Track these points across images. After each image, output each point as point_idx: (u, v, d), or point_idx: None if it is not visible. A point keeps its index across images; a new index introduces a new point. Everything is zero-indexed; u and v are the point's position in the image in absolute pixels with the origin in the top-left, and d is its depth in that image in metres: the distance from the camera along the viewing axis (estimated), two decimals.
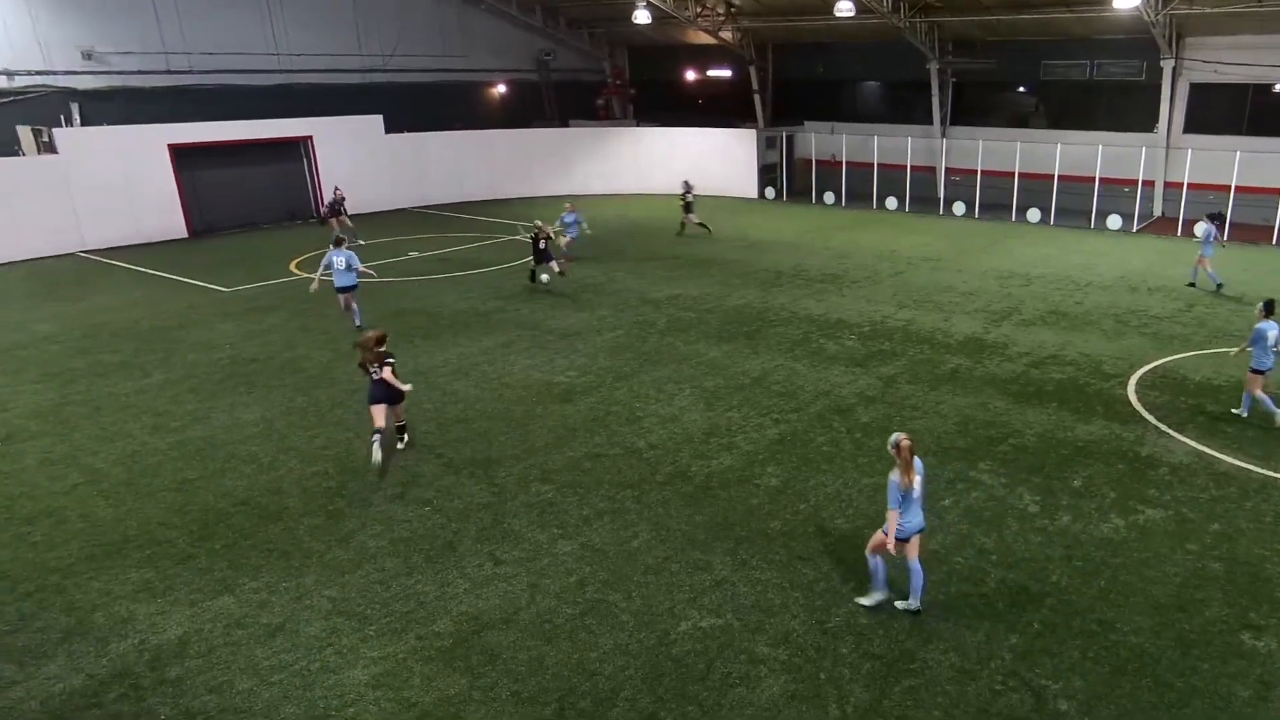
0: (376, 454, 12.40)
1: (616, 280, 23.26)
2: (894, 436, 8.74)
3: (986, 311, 19.98)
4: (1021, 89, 36.01)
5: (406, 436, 13.30)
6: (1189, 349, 17.20)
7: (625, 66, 46.20)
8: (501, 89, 42.14)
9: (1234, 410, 14.08)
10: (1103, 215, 30.67)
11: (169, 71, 31.59)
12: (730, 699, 7.87)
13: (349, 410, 14.56)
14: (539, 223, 22.67)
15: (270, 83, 33.89)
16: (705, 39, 39.21)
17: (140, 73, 31.03)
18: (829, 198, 36.36)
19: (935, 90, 35.30)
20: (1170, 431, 13.42)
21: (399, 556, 10.25)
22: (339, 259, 18.35)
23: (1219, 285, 21.54)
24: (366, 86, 36.58)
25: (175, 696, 8.02)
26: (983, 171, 33.15)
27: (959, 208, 33.78)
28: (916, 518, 8.88)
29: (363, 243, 28.58)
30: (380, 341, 12.66)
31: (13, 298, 22.39)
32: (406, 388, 12.67)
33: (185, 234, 30.11)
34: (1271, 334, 13.27)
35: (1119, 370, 16.11)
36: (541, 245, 22.22)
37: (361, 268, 18.67)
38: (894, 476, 8.67)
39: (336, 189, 29.58)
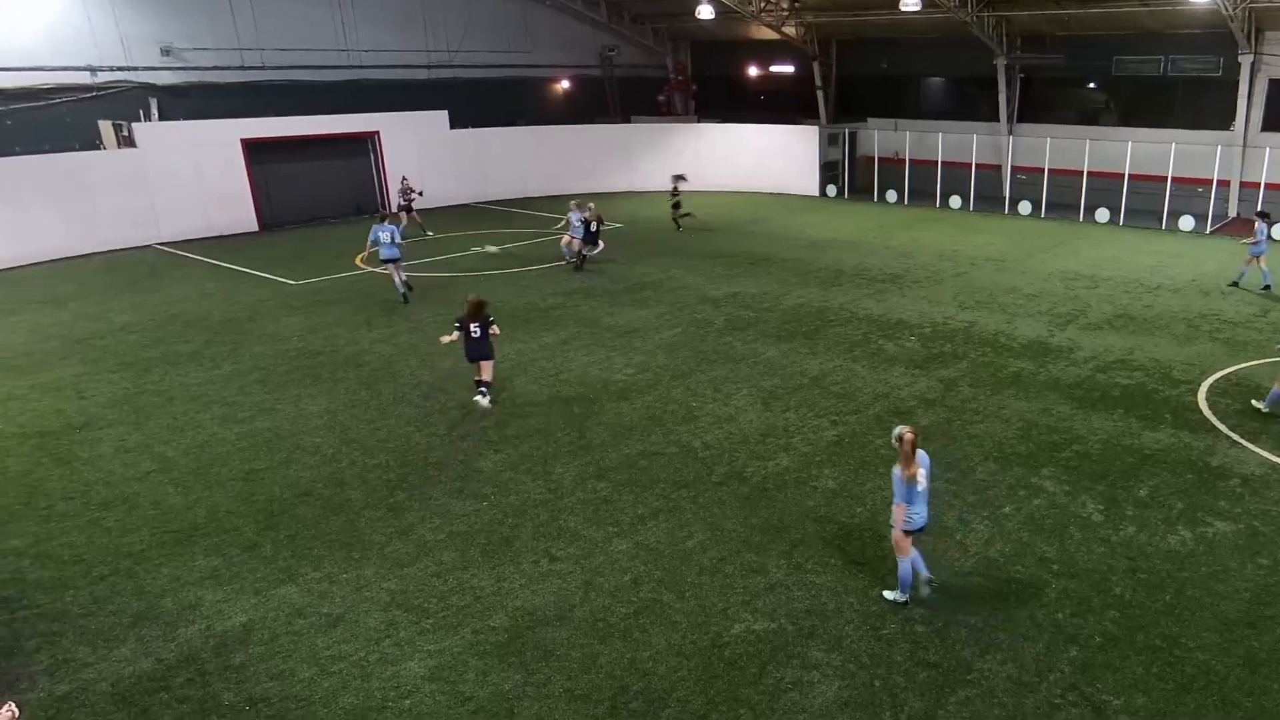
0: (484, 403, 14.46)
1: (675, 278, 23.21)
2: (898, 429, 8.80)
3: (1051, 314, 19.54)
4: (1091, 85, 35.14)
5: (488, 396, 14.64)
6: (1264, 355, 16.63)
7: (688, 62, 45.99)
8: (565, 84, 42.24)
9: (1254, 403, 14.06)
10: (1174, 216, 29.80)
11: (243, 67, 32.22)
12: (783, 704, 7.80)
13: (410, 404, 14.73)
14: (591, 205, 24.43)
15: (339, 78, 34.38)
16: (768, 34, 38.91)
17: (215, 68, 31.70)
18: (891, 196, 35.89)
19: (1002, 86, 34.60)
20: (1243, 442, 12.99)
21: (457, 550, 10.34)
22: (384, 234, 20.50)
23: (1268, 285, 21.14)
24: (432, 82, 36.90)
25: (239, 683, 8.18)
26: (1050, 170, 32.41)
27: (1024, 207, 33.09)
28: (923, 514, 8.91)
29: (431, 234, 28.94)
30: (482, 306, 14.28)
31: (92, 288, 23.02)
32: (494, 331, 14.39)
33: (255, 227, 30.69)
34: None
35: (1189, 377, 15.64)
36: (593, 228, 24.06)
37: (401, 240, 20.89)
38: (896, 470, 8.75)
39: (404, 178, 29.94)
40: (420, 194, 29.64)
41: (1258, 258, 21.20)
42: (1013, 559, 10.01)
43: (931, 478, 9.10)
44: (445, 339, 14.50)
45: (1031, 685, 7.98)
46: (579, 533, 10.68)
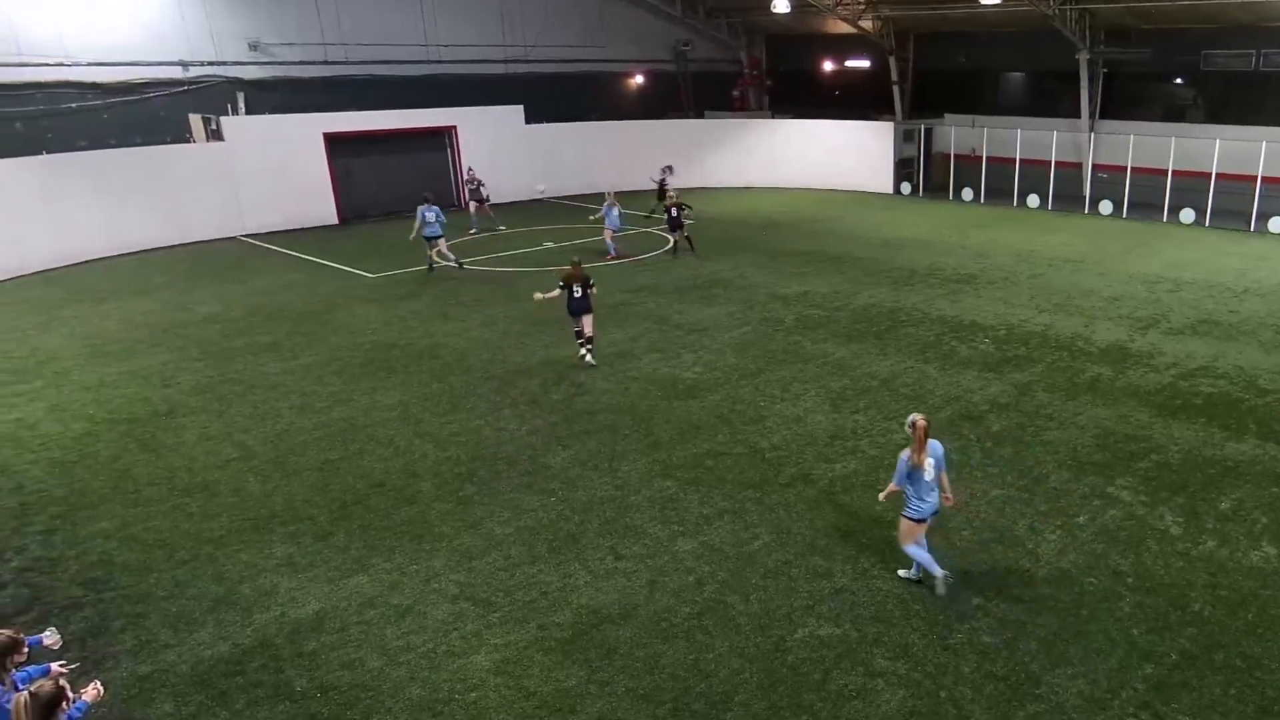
0: (587, 356, 16.31)
1: (746, 275, 23.07)
2: (911, 416, 9.05)
3: (1131, 318, 18.96)
4: (1178, 80, 33.97)
5: (592, 351, 16.37)
6: None
7: (762, 57, 45.59)
8: (639, 80, 42.20)
9: None
10: (1264, 217, 28.63)
11: (326, 62, 32.79)
12: (846, 712, 7.71)
13: (480, 398, 14.88)
14: (672, 193, 25.71)
15: (419, 73, 34.74)
16: (844, 28, 38.36)
17: (300, 63, 32.31)
18: (967, 194, 35.20)
19: (1084, 82, 33.56)
20: None
21: (524, 545, 10.41)
22: (430, 214, 23.25)
23: None
24: (509, 77, 37.17)
25: (310, 670, 8.35)
26: (1132, 168, 31.37)
27: (1105, 206, 32.15)
28: (929, 503, 9.03)
29: (504, 228, 29.20)
30: (580, 267, 16.26)
31: (179, 279, 23.70)
32: (593, 291, 16.24)
33: (335, 220, 31.28)
34: None
35: (1276, 385, 15.05)
36: (675, 213, 25.04)
37: (444, 219, 23.52)
38: (904, 454, 8.95)
39: (470, 169, 30.25)
40: (482, 184, 29.80)
41: None
42: (1086, 571, 9.74)
43: (941, 468, 9.14)
44: (541, 296, 16.07)
45: (1103, 702, 7.76)
46: (644, 531, 10.68)
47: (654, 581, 9.65)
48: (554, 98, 37.08)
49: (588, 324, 16.28)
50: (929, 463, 8.92)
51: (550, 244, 27.27)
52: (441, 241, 23.67)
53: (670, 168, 31.95)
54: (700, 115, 42.39)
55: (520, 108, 35.19)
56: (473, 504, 11.40)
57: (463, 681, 8.15)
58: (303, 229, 30.28)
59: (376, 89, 33.38)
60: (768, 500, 11.35)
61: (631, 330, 18.46)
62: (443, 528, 10.82)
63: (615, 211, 25.15)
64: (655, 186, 32.10)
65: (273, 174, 29.65)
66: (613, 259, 24.94)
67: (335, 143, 30.90)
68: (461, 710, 7.81)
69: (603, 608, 9.21)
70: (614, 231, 25.25)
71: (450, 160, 34.08)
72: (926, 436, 8.89)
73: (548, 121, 36.01)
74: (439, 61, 35.26)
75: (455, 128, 33.58)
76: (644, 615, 9.07)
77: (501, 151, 34.32)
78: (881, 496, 9.51)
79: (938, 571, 9.21)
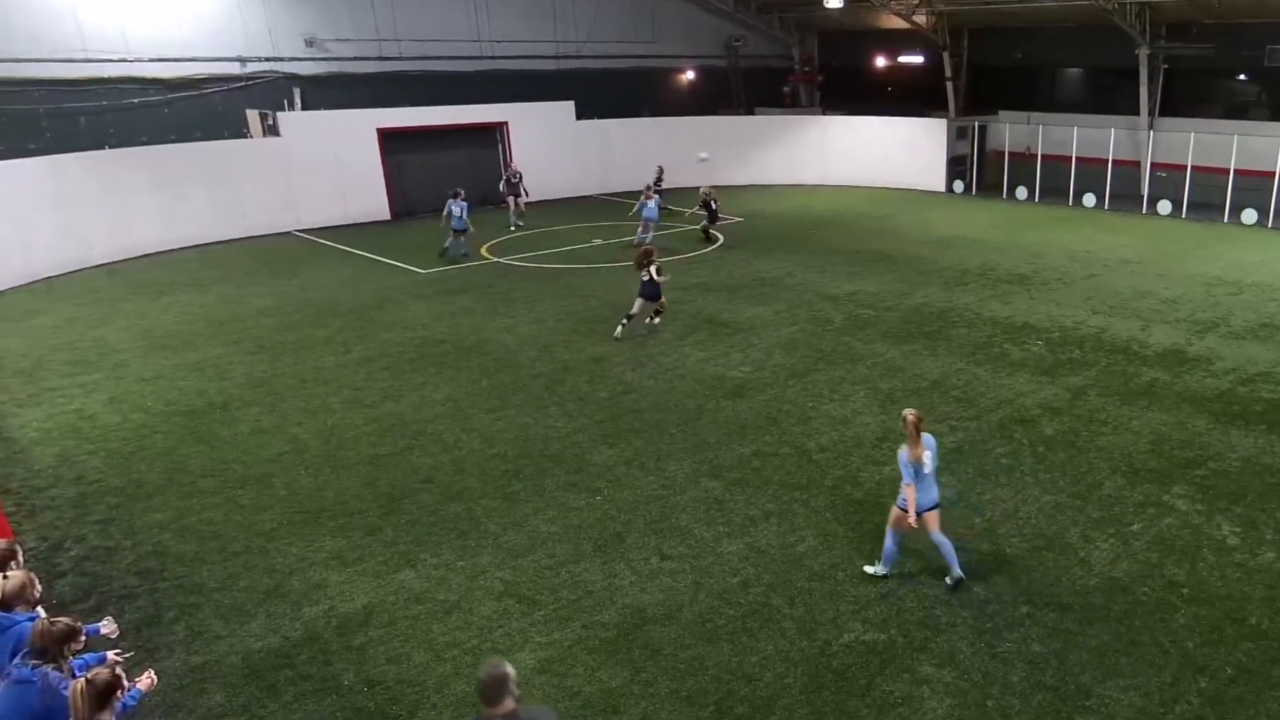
0: (619, 332, 17.58)
1: (795, 274, 22.91)
2: (905, 411, 9.15)
3: (1190, 321, 18.53)
4: (1241, 76, 33.12)
5: (661, 318, 18.15)
6: None
7: (814, 52, 45.22)
8: (690, 75, 42.04)
9: None
10: None
11: (380, 58, 33.11)
12: (891, 719, 7.62)
13: (528, 395, 14.94)
14: (706, 189, 26.91)
15: (471, 69, 34.97)
16: (897, 23, 37.90)
17: (355, 59, 32.65)
18: (1021, 193, 34.63)
19: (1144, 78, 32.80)
20: None
21: (570, 543, 10.43)
22: (457, 209, 24.69)
23: None
24: (560, 72, 37.26)
25: (358, 664, 8.44)
26: (1193, 167, 30.63)
27: (1164, 206, 31.41)
28: (930, 493, 9.12)
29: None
30: (650, 254, 17.61)
31: (235, 273, 24.10)
32: (665, 279, 17.78)
33: (388, 216, 31.59)
34: None
35: None
36: (713, 206, 26.57)
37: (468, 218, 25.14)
38: (902, 451, 9.00)
39: (510, 163, 30.35)
40: (520, 179, 29.98)
41: None
42: (1139, 580, 9.53)
43: (938, 459, 9.21)
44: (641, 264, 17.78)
45: (1156, 716, 7.58)
46: (690, 531, 10.66)
47: (699, 582, 9.62)
48: (605, 93, 37.12)
49: (638, 306, 17.62)
50: (927, 455, 9.02)
51: (599, 240, 27.32)
52: (461, 236, 25.20)
53: (661, 168, 31.93)
54: (751, 112, 42.16)
55: (571, 104, 35.26)
56: (519, 501, 11.45)
57: None
58: (355, 224, 30.62)
59: (429, 85, 33.68)
60: (814, 503, 11.26)
61: (679, 328, 18.41)
62: (489, 524, 10.88)
63: (651, 203, 25.86)
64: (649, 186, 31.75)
65: (327, 169, 30.02)
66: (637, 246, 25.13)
67: (388, 138, 31.19)
68: None
69: (647, 608, 9.19)
70: (652, 223, 25.89)
71: (501, 157, 34.27)
72: (919, 430, 8.98)
73: (598, 118, 36.06)
74: (491, 57, 35.47)
75: (506, 124, 33.74)
76: (688, 616, 9.05)
77: (552, 148, 34.41)
78: (911, 520, 9.02)
79: (881, 566, 9.62)
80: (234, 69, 30.31)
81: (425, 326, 18.84)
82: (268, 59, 30.94)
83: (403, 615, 9.14)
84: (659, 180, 30.58)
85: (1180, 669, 8.17)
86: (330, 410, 14.50)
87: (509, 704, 5.44)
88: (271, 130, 29.42)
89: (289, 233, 29.40)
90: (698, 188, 29.58)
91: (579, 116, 35.49)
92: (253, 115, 30.06)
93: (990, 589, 9.38)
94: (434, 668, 8.35)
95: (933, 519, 9.22)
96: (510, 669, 5.50)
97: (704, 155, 21.78)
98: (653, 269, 17.40)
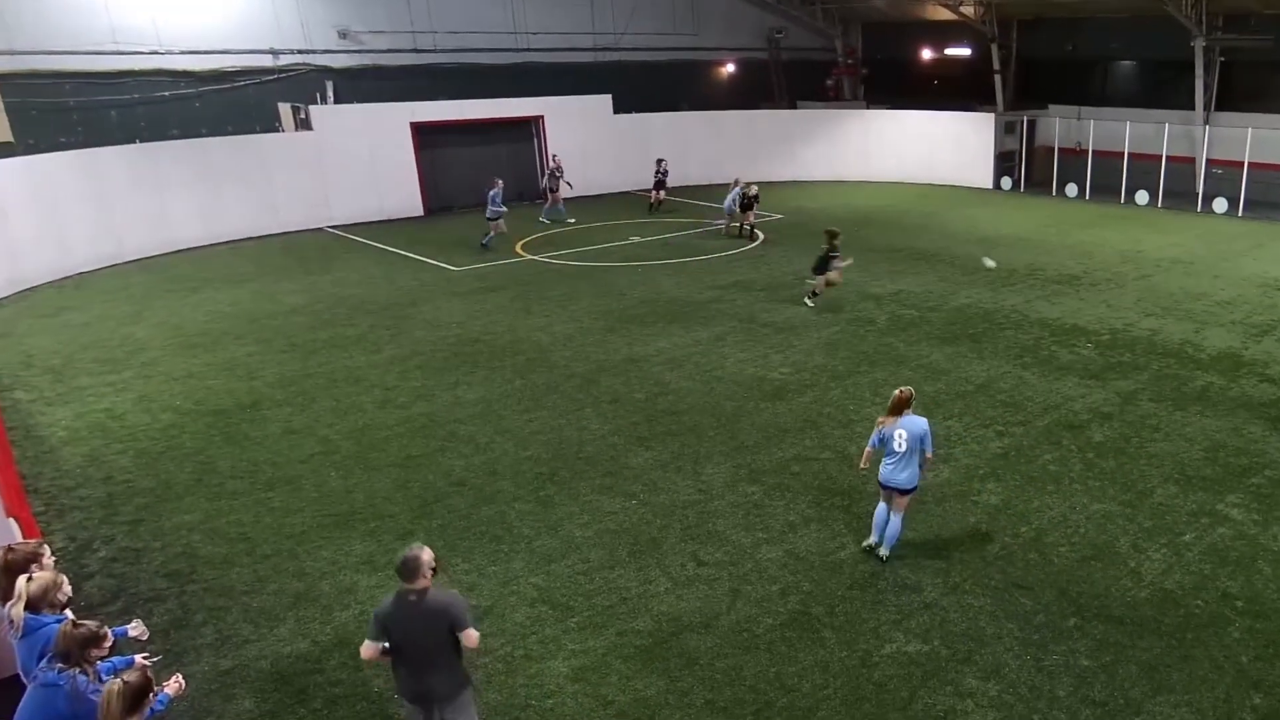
0: (809, 301, 19.72)
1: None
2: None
3: (1246, 324, 18.25)
4: None
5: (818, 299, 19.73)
6: None
7: (858, 45, 44.97)
8: (730, 68, 41.97)
9: None
10: None
11: (415, 50, 33.28)
12: None
13: (563, 395, 14.99)
14: (744, 184, 26.89)
15: (506, 61, 35.09)
16: (944, 15, 37.59)
17: (389, 51, 32.86)
18: (1071, 190, 34.23)
19: (1200, 71, 32.28)
20: None
21: (604, 549, 10.45)
22: (492, 193, 25.66)
23: None
24: (598, 65, 37.28)
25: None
26: (1250, 164, 30.10)
27: (1219, 204, 30.91)
28: (899, 474, 9.59)
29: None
30: (835, 234, 19.68)
31: (267, 269, 24.39)
32: (847, 262, 19.83)
33: (421, 211, 31.81)
34: None
35: None
36: (754, 203, 26.75)
37: (503, 207, 26.01)
38: (882, 418, 9.73)
39: (554, 156, 30.46)
40: (562, 173, 30.12)
41: None
42: (1192, 592, 9.41)
43: (921, 447, 9.60)
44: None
45: None
46: (728, 537, 10.65)
47: (736, 590, 9.61)
48: (643, 87, 37.11)
49: (828, 279, 19.62)
50: (900, 434, 9.47)
51: (636, 238, 27.36)
52: (501, 222, 26.01)
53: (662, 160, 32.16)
54: (793, 105, 42.02)
55: (609, 97, 35.30)
56: (553, 505, 11.48)
57: (539, 687, 8.22)
58: (388, 220, 30.87)
59: (464, 78, 33.82)
60: (855, 508, 11.21)
61: (718, 328, 18.41)
62: (522, 529, 10.92)
63: (730, 195, 27.12)
64: (656, 179, 31.99)
65: (360, 164, 30.25)
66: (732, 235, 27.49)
67: (422, 132, 31.39)
68: (538, 717, 7.88)
69: (683, 616, 9.19)
70: (729, 215, 27.34)
71: (537, 151, 34.38)
72: (901, 406, 9.56)
73: (637, 111, 36.06)
74: (527, 50, 35.53)
75: (542, 117, 33.85)
76: (725, 625, 9.04)
77: (589, 142, 34.45)
78: (861, 463, 10.19)
79: (871, 538, 10.17)
80: (266, 61, 30.64)
81: (459, 325, 18.96)
82: (300, 51, 31.25)
83: None
84: (661, 172, 31.17)
85: (1234, 685, 8.06)
86: (361, 410, 14.62)
87: (423, 582, 6.50)
88: (304, 124, 29.71)
89: (321, 228, 29.69)
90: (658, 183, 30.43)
91: (617, 110, 35.54)
92: (285, 109, 30.40)
93: (1037, 600, 9.30)
94: None
95: (901, 500, 9.80)
96: (427, 554, 6.51)
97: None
98: (834, 247, 19.42)
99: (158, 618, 9.21)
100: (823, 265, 19.64)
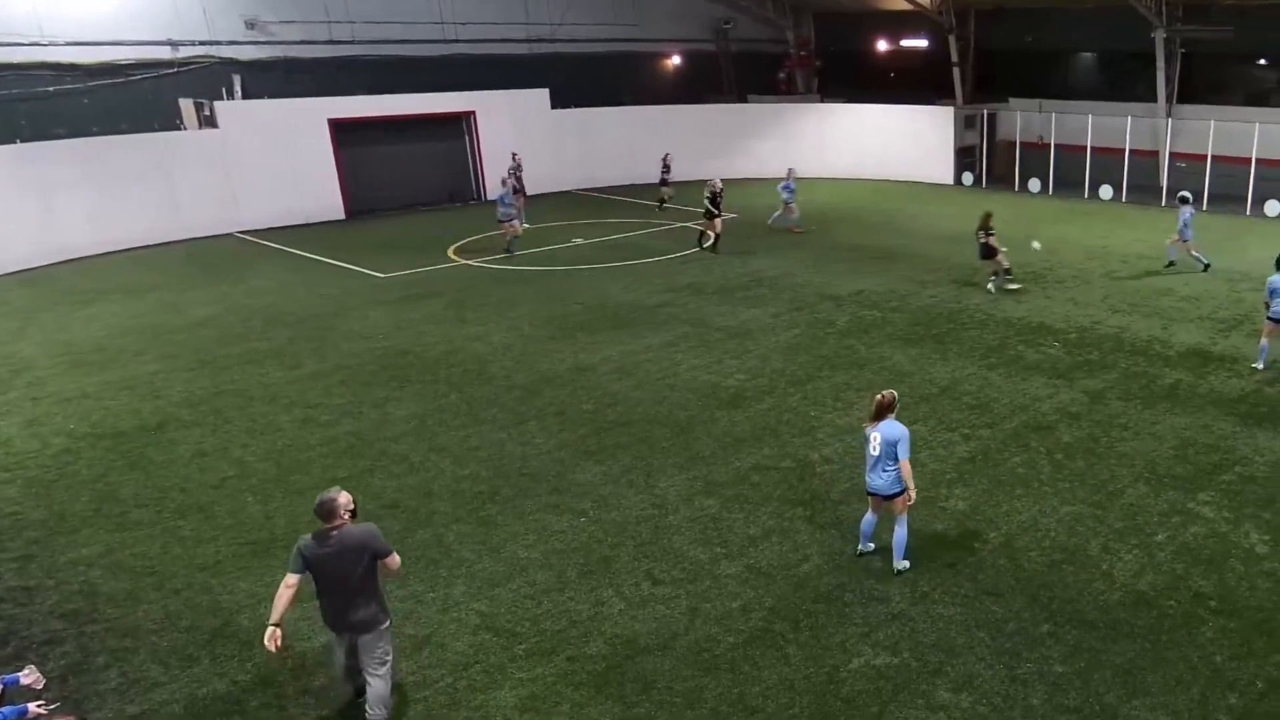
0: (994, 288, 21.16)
1: (794, 273, 23.24)
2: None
3: (1213, 319, 19.01)
4: (1262, 61, 33.82)
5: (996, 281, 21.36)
6: None
7: (811, 35, 45.65)
8: (676, 61, 42.43)
9: (1254, 365, 15.97)
10: None
11: (331, 42, 33.04)
12: None
13: (503, 409, 15.05)
14: (715, 181, 26.07)
15: (433, 53, 34.98)
16: (900, 4, 38.39)
17: (302, 43, 32.53)
18: (1034, 185, 35.12)
19: (1161, 63, 33.42)
20: None
21: (552, 570, 10.52)
22: (507, 197, 25.72)
23: (1205, 266, 22.65)
24: (533, 58, 37.41)
25: (317, 709, 8.44)
26: (1214, 157, 31.23)
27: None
28: (875, 479, 10.01)
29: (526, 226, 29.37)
30: (989, 216, 21.49)
31: (171, 279, 24.08)
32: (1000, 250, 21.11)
33: (342, 215, 31.62)
34: None
35: None
36: (718, 201, 25.54)
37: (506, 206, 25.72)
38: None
39: (514, 155, 30.49)
40: (518, 172, 29.98)
41: (1187, 241, 22.08)
42: (1165, 593, 9.82)
43: (895, 455, 9.80)
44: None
45: None
46: (684, 553, 10.80)
47: (695, 608, 9.76)
48: (583, 80, 37.33)
49: (998, 263, 21.06)
50: (875, 438, 9.86)
51: (580, 240, 27.54)
52: (516, 224, 26.01)
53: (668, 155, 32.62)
54: (743, 99, 42.55)
55: (546, 91, 35.46)
56: (495, 525, 11.51)
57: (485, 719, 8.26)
58: (306, 224, 30.64)
59: (386, 71, 33.59)
60: (819, 519, 11.46)
61: (670, 334, 18.64)
62: (462, 552, 10.92)
63: (783, 185, 28.42)
64: (660, 175, 32.57)
65: (272, 164, 29.95)
66: (797, 231, 28.32)
67: (342, 130, 31.24)
68: None
69: (639, 637, 9.30)
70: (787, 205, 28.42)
71: (469, 149, 34.33)
72: (881, 410, 9.92)
73: (577, 106, 36.23)
74: (456, 41, 35.48)
75: (474, 113, 33.88)
76: (684, 645, 9.17)
77: (525, 139, 34.42)
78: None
79: (861, 545, 10.55)
80: (164, 53, 30.14)
81: (387, 336, 18.93)
82: (203, 42, 30.82)
83: None
84: (666, 169, 31.68)
85: (1209, 685, 8.44)
86: (280, 430, 14.49)
87: (339, 520, 7.53)
88: (208, 121, 29.38)
89: (230, 233, 29.39)
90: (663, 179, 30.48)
91: (554, 105, 35.68)
92: (186, 105, 29.96)
93: (1008, 607, 9.60)
94: (402, 709, 8.35)
95: (892, 506, 10.10)
96: (345, 496, 7.60)
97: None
98: (987, 232, 20.92)
99: (54, 662, 8.97)
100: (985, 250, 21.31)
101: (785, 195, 28.19)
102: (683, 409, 14.93)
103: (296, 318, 20.38)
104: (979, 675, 8.61)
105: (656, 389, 15.81)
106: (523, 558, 10.78)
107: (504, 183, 27.29)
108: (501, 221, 25.58)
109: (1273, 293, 15.88)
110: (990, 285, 21.25)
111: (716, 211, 25.77)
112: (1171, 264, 23.01)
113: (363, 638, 7.71)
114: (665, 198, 32.17)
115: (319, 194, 31.11)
